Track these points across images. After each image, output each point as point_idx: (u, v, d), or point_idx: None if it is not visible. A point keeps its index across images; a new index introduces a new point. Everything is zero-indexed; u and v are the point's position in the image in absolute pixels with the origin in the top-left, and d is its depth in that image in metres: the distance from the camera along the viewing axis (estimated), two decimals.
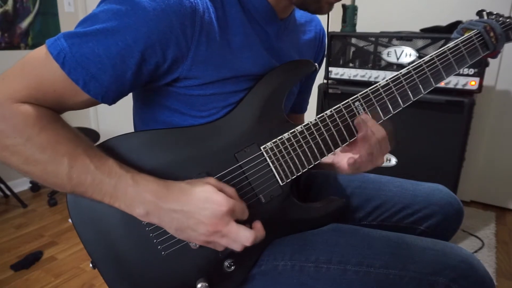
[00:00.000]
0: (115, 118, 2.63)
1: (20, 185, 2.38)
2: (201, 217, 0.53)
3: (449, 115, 1.59)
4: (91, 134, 2.25)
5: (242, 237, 0.54)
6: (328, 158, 0.76)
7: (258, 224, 0.59)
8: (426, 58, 0.71)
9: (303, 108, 0.91)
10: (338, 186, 0.86)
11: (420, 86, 0.70)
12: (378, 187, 0.85)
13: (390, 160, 1.78)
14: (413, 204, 0.81)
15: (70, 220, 0.60)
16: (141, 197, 0.53)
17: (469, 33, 0.74)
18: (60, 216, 2.08)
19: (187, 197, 0.54)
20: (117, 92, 0.55)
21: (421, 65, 0.70)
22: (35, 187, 2.41)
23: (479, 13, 0.80)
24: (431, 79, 0.70)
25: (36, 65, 0.52)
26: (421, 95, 0.71)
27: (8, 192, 2.21)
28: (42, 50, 0.52)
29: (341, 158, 0.73)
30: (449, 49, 0.72)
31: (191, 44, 0.54)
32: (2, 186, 2.19)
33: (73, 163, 0.51)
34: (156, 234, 0.59)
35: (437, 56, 0.71)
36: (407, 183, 0.86)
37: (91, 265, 0.60)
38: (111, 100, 0.56)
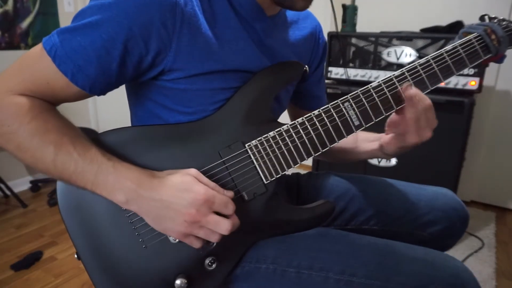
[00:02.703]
0: (115, 118, 2.64)
1: (20, 185, 2.38)
2: (179, 207, 0.54)
3: (449, 115, 1.59)
4: (91, 134, 2.25)
5: (220, 226, 0.55)
6: (373, 144, 0.77)
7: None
8: (422, 60, 0.69)
9: (320, 105, 0.90)
10: (338, 189, 0.85)
11: None
12: (380, 191, 0.83)
13: (390, 160, 1.78)
14: (416, 209, 0.79)
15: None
16: (121, 184, 0.55)
17: (469, 36, 0.73)
18: (60, 216, 2.08)
19: (167, 187, 0.55)
20: (105, 84, 0.58)
21: (415, 67, 0.68)
22: (35, 187, 2.41)
23: (481, 18, 0.79)
24: (427, 82, 0.69)
25: (32, 60, 0.56)
26: None
27: (8, 192, 2.21)
28: (38, 46, 0.56)
29: (388, 139, 0.72)
30: (447, 52, 0.70)
31: (173, 35, 0.56)
32: (2, 186, 2.18)
33: (58, 151, 0.54)
34: (138, 227, 0.60)
35: (433, 59, 0.69)
36: (410, 186, 0.84)
37: (75, 256, 0.61)
38: (99, 91, 0.59)
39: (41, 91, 0.56)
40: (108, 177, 0.55)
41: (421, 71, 0.69)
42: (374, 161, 1.81)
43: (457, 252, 1.70)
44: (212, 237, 0.56)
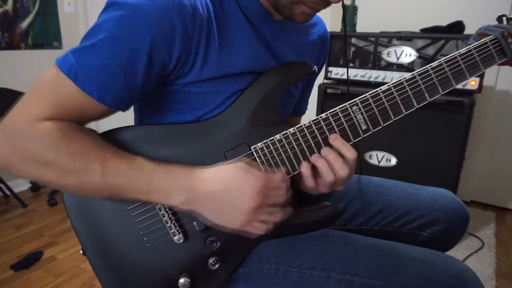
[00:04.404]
0: (115, 117, 2.63)
1: (20, 185, 2.38)
2: (241, 194, 0.55)
3: (449, 115, 1.59)
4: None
5: (280, 197, 0.57)
6: None
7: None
8: (434, 63, 0.67)
9: (299, 111, 0.90)
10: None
11: (425, 93, 0.66)
12: (380, 191, 0.83)
13: (390, 160, 1.78)
14: (416, 210, 0.79)
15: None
16: (177, 186, 0.55)
17: (485, 39, 0.70)
18: (60, 216, 2.08)
19: (223, 177, 0.56)
20: (130, 98, 0.57)
21: (427, 71, 0.66)
22: (35, 187, 2.41)
23: (499, 19, 0.76)
24: (438, 86, 0.66)
25: (52, 85, 0.54)
26: (426, 102, 0.67)
27: (8, 192, 2.21)
28: (53, 70, 0.53)
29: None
30: (460, 55, 0.67)
31: (193, 41, 0.56)
32: (2, 186, 2.19)
33: (106, 167, 0.53)
34: (143, 226, 0.60)
35: (446, 62, 0.67)
36: (410, 187, 0.84)
37: (81, 251, 0.62)
38: (126, 107, 0.58)
39: (68, 114, 0.54)
40: (162, 182, 0.55)
41: (433, 75, 0.66)
42: (374, 161, 1.81)
43: (457, 252, 1.70)
44: (273, 217, 0.57)
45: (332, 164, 0.61)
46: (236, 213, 0.55)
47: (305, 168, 0.62)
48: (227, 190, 0.55)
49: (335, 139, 0.62)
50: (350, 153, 0.62)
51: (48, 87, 0.54)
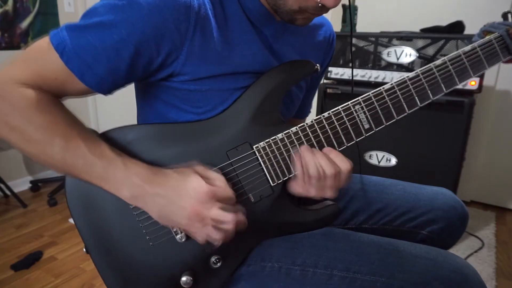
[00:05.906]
0: (115, 118, 2.63)
1: (20, 185, 2.38)
2: (182, 202, 0.55)
3: (449, 115, 1.59)
4: None
5: (224, 219, 0.55)
6: None
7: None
8: (438, 61, 0.66)
9: (303, 112, 0.90)
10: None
11: (428, 91, 0.65)
12: (380, 190, 0.83)
13: (390, 160, 1.78)
14: (415, 208, 0.80)
15: (70, 220, 0.62)
16: (129, 181, 0.55)
17: (489, 36, 0.69)
18: (60, 216, 2.08)
19: (172, 183, 0.56)
20: (112, 84, 0.58)
21: (431, 69, 0.65)
22: (35, 187, 2.41)
23: (504, 15, 0.75)
24: (442, 84, 0.65)
25: (39, 54, 0.56)
26: (430, 100, 0.66)
27: (8, 192, 2.21)
28: (45, 40, 0.55)
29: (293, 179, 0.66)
30: (464, 53, 0.66)
31: (185, 39, 0.56)
32: (2, 186, 2.18)
33: (67, 145, 0.54)
34: (146, 225, 0.61)
35: (449, 60, 0.66)
36: (410, 186, 0.85)
37: (84, 249, 0.63)
38: (106, 91, 0.59)
39: (48, 85, 0.56)
40: (117, 173, 0.55)
41: (437, 73, 0.65)
42: (374, 161, 1.81)
43: (457, 252, 1.70)
44: (214, 235, 0.56)
45: (318, 162, 0.60)
46: (177, 220, 0.56)
47: (296, 155, 0.61)
48: (172, 197, 0.55)
49: (330, 151, 0.62)
50: (344, 164, 0.61)
51: (35, 55, 0.56)
